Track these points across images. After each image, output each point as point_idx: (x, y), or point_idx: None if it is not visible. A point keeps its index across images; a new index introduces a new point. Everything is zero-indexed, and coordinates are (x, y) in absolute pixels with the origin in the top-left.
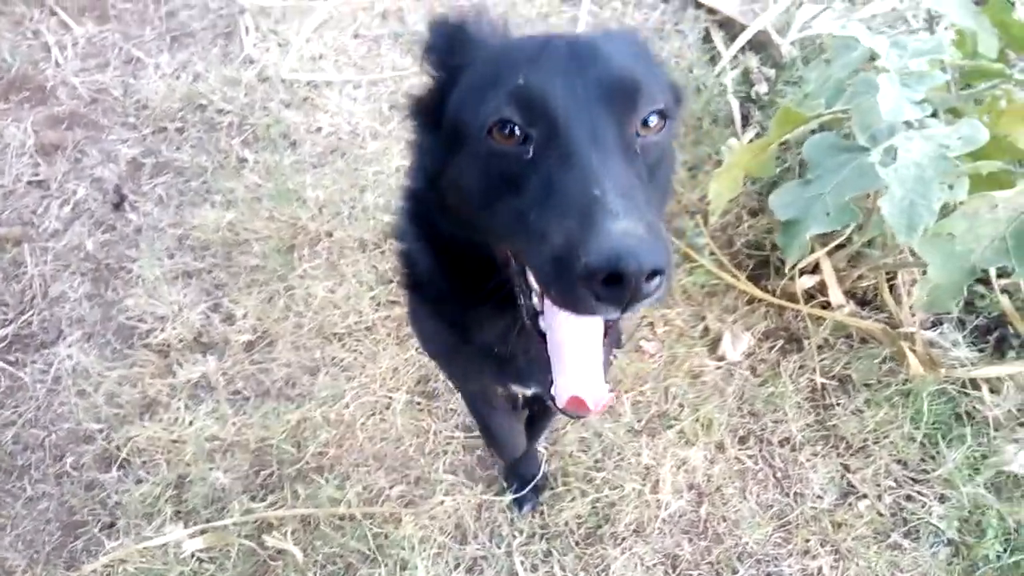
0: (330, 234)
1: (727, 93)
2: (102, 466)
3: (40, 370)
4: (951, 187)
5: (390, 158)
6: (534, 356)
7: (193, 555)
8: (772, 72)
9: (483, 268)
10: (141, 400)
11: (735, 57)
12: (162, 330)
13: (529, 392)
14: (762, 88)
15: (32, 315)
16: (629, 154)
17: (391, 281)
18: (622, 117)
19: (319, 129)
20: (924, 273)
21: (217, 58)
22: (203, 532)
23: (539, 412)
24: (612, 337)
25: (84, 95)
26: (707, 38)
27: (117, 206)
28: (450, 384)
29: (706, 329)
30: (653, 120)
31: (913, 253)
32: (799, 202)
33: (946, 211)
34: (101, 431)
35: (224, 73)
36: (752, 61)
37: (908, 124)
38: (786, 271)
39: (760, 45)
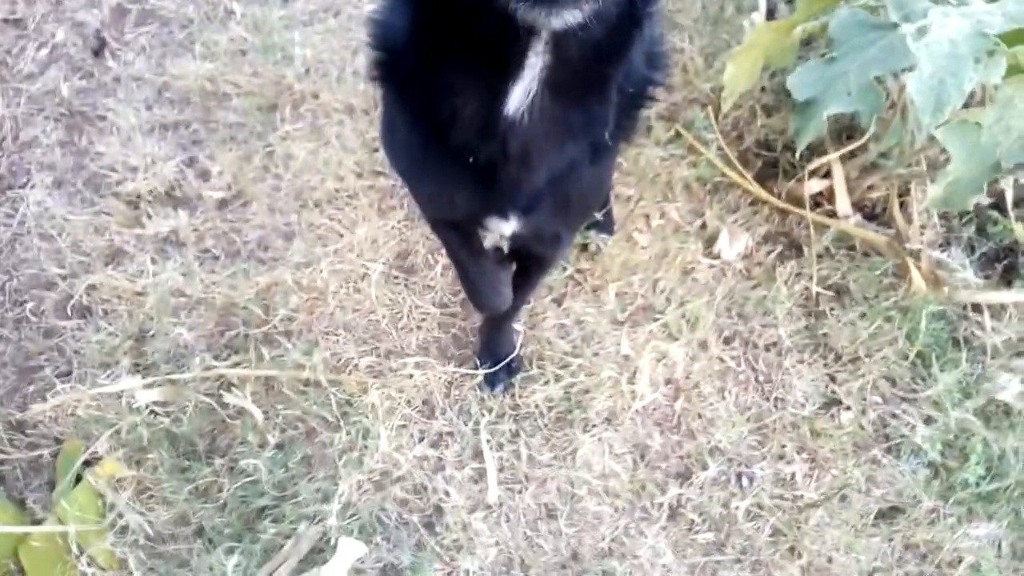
0: (316, 96)
1: None
2: (62, 313)
3: (5, 214)
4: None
5: None
6: (520, 159)
7: (147, 406)
8: None
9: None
10: (107, 249)
11: None
12: (133, 181)
13: (510, 231)
14: None
15: (1, 157)
16: None
17: (376, 149)
18: None
19: None
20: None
21: None
22: (160, 385)
23: (530, 266)
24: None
25: None
26: None
27: (97, 52)
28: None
29: (703, 226)
30: None
31: (930, 165)
32: (819, 81)
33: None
34: (63, 277)
35: None
36: None
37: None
38: (797, 163)
39: None
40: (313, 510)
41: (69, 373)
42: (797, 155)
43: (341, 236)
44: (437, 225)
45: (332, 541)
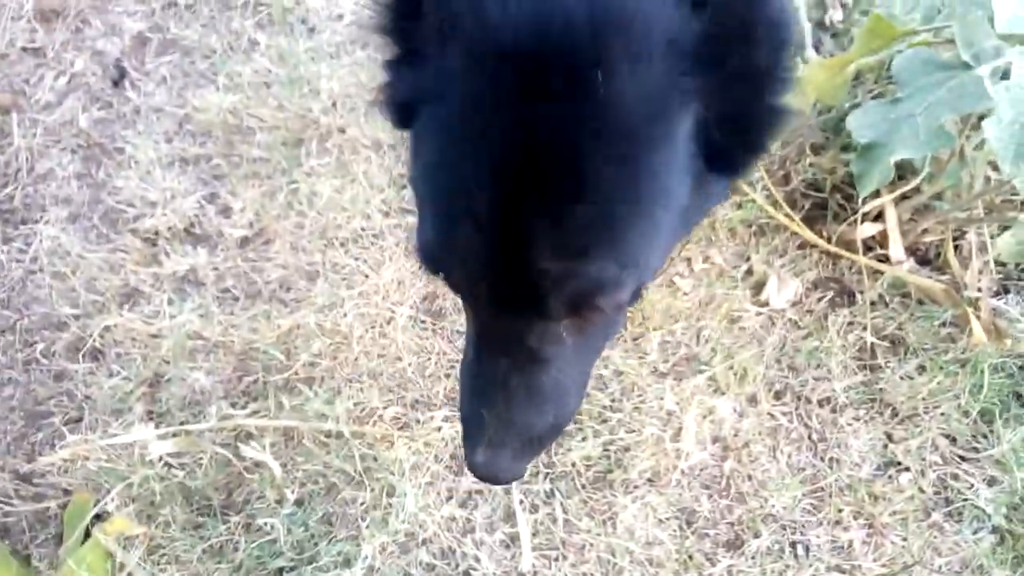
0: (343, 130)
1: (799, 18)
2: (74, 356)
3: (18, 249)
4: None
5: None
6: None
7: (161, 459)
8: None
9: None
10: (122, 288)
11: None
12: (151, 216)
13: None
14: (836, 15)
15: (15, 190)
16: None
17: (405, 186)
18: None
19: (340, 16)
20: (999, 231)
21: None
22: (175, 435)
23: None
24: None
25: None
26: None
27: (116, 82)
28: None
29: (750, 271)
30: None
31: (987, 209)
32: (884, 123)
33: None
34: (76, 317)
35: None
36: None
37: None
38: (847, 205)
39: None
40: (335, 574)
41: (79, 420)
42: (860, 200)
43: (366, 277)
44: None
45: None
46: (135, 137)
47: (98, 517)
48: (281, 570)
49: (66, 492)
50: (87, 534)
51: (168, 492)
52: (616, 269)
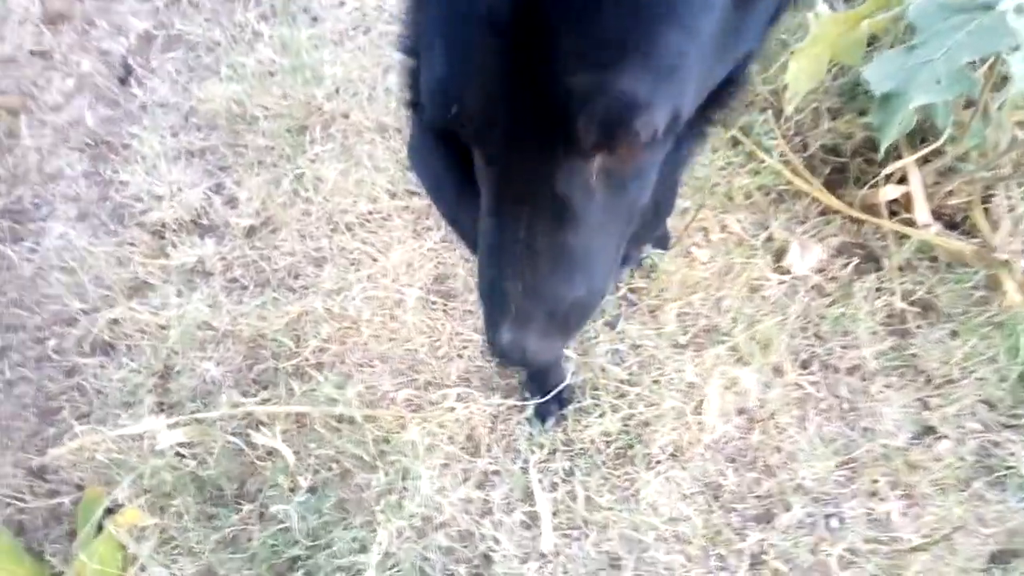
0: (346, 115)
1: None
2: (84, 350)
3: (28, 248)
4: None
5: None
6: None
7: (172, 449)
8: None
9: None
10: (130, 281)
11: None
12: (158, 210)
13: None
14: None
15: (25, 190)
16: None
17: (411, 168)
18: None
19: (343, 3)
20: None
21: None
22: (185, 425)
23: None
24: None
25: None
26: None
27: (123, 80)
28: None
29: (770, 239)
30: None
31: (1016, 167)
32: (901, 72)
33: None
34: (86, 312)
35: None
36: None
37: None
38: (869, 169)
39: None
40: (350, 561)
41: (90, 414)
42: (881, 152)
43: (375, 261)
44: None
45: None
46: (142, 132)
47: (110, 511)
48: (296, 559)
49: (79, 488)
50: (100, 528)
51: (180, 482)
52: (650, 83)
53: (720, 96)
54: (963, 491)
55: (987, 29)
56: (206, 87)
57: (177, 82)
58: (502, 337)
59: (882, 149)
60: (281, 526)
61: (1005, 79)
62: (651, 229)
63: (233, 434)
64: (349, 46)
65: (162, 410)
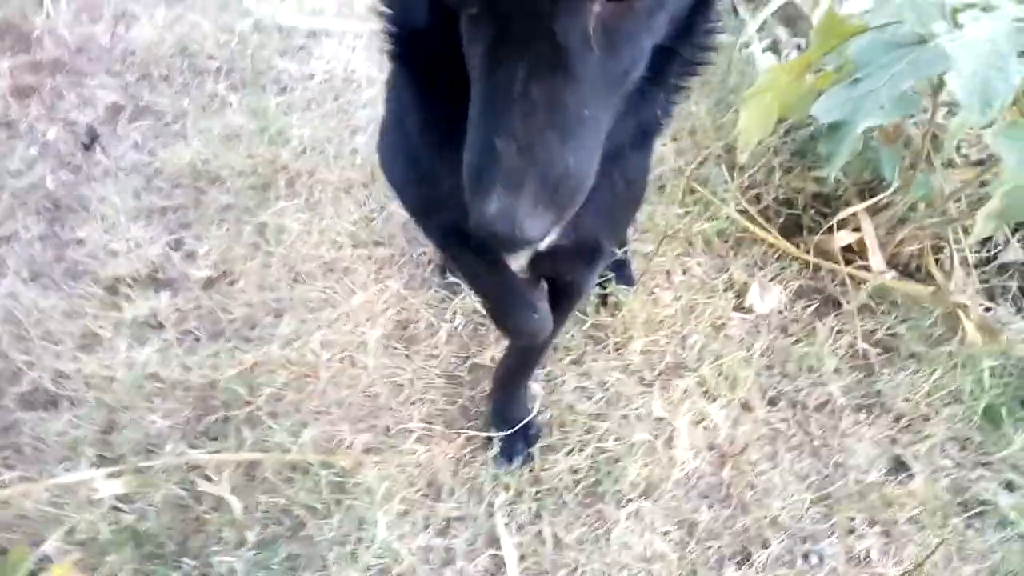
0: (312, 173)
1: (755, 58)
2: (26, 406)
3: None
4: None
5: None
6: None
7: (109, 501)
8: (802, 42)
9: None
10: (80, 334)
11: (761, 28)
12: (114, 265)
13: (546, 242)
14: (792, 55)
15: None
16: (572, 59)
17: (373, 219)
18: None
19: (312, 76)
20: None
21: (213, 10)
22: (124, 474)
23: (558, 294)
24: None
25: (70, 44)
26: (734, 11)
27: (88, 147)
28: (432, 306)
29: (730, 282)
30: None
31: (967, 206)
32: (847, 103)
33: None
34: (30, 365)
35: (219, 22)
36: (781, 31)
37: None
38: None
39: (788, 19)
40: None
41: (24, 470)
42: (831, 177)
43: (335, 308)
44: (449, 244)
45: None
46: (103, 193)
47: (37, 572)
48: None
49: (2, 552)
50: None
51: (116, 537)
52: None
53: (692, 27)
54: (942, 527)
55: (925, 58)
56: (171, 150)
57: (143, 148)
58: (491, 204)
59: (830, 176)
60: None
61: (939, 136)
62: (626, 212)
63: (177, 485)
64: (317, 111)
65: (103, 464)
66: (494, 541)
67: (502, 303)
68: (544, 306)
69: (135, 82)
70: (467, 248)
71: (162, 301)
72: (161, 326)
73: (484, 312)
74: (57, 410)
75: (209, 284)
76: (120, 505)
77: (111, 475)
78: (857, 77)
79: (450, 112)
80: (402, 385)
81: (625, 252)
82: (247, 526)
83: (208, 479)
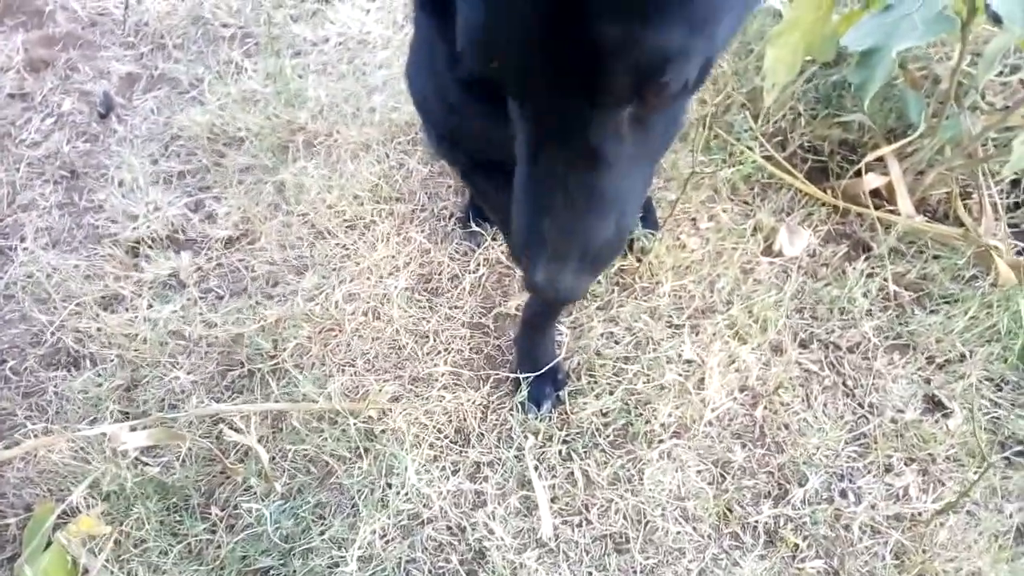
0: (330, 134)
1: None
2: (47, 367)
3: None
4: None
5: (402, 64)
6: None
7: (133, 453)
8: None
9: None
10: (101, 295)
11: None
12: (134, 228)
13: None
14: None
15: None
16: (602, 150)
17: (393, 176)
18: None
19: (327, 39)
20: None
21: None
22: (150, 426)
23: None
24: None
25: (83, 18)
26: None
27: (104, 116)
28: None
29: (758, 227)
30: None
31: (995, 145)
32: (880, 29)
33: None
34: (51, 329)
35: None
36: None
37: None
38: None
39: None
40: (327, 562)
41: (47, 432)
42: (865, 103)
43: (358, 263)
44: (473, 176)
45: None
46: (121, 160)
47: (62, 524)
48: (268, 570)
49: (28, 509)
50: (49, 544)
51: (141, 489)
52: (684, 35)
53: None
54: (979, 466)
55: None
56: (188, 116)
57: (159, 116)
58: (539, 274)
59: (865, 104)
60: (252, 531)
61: (964, 83)
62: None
63: (202, 437)
64: (333, 73)
65: (126, 419)
66: (525, 483)
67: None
68: None
69: (149, 52)
70: (491, 180)
71: (183, 261)
72: (183, 285)
73: (507, 259)
74: (79, 369)
75: (230, 243)
76: (144, 458)
77: (134, 427)
78: (889, 3)
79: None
80: (427, 336)
81: (649, 198)
82: (275, 476)
83: (235, 429)
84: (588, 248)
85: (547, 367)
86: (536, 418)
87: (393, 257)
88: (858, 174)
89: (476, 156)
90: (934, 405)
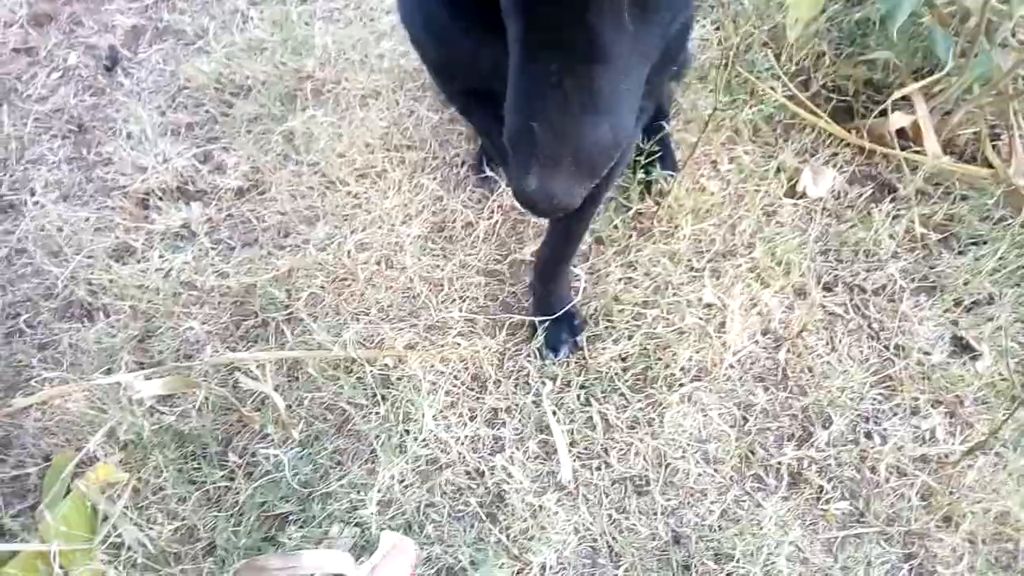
0: (338, 81)
1: None
2: (61, 318)
3: (5, 231)
4: None
5: None
6: None
7: (150, 402)
8: None
9: None
10: (112, 246)
11: None
12: (143, 180)
13: None
14: None
15: (3, 176)
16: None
17: (404, 125)
18: None
19: None
20: None
21: None
22: (165, 375)
23: None
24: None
25: None
26: None
27: (110, 69)
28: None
29: (781, 168)
30: None
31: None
32: None
33: None
34: (63, 281)
35: None
36: None
37: None
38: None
39: None
40: (346, 504)
41: (64, 382)
42: (893, 32)
43: (369, 212)
44: (471, 110)
45: (372, 546)
46: (128, 113)
47: (81, 472)
48: (287, 516)
49: (46, 459)
50: (68, 491)
51: (159, 438)
52: None
53: None
54: (1008, 408)
55: None
56: (194, 66)
57: (166, 68)
58: (530, 182)
59: (892, 34)
60: (270, 477)
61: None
62: (662, 74)
63: (219, 386)
64: (340, 19)
65: (141, 369)
66: (544, 428)
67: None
68: None
69: (154, 4)
70: (488, 114)
71: (193, 212)
72: (194, 235)
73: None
74: (93, 321)
75: (240, 194)
76: (161, 407)
77: (149, 376)
78: None
79: None
80: (441, 284)
81: (667, 138)
82: (292, 423)
83: (251, 377)
84: (581, 150)
85: (562, 311)
86: (553, 363)
87: (405, 205)
88: (883, 114)
89: (471, 88)
90: (962, 347)
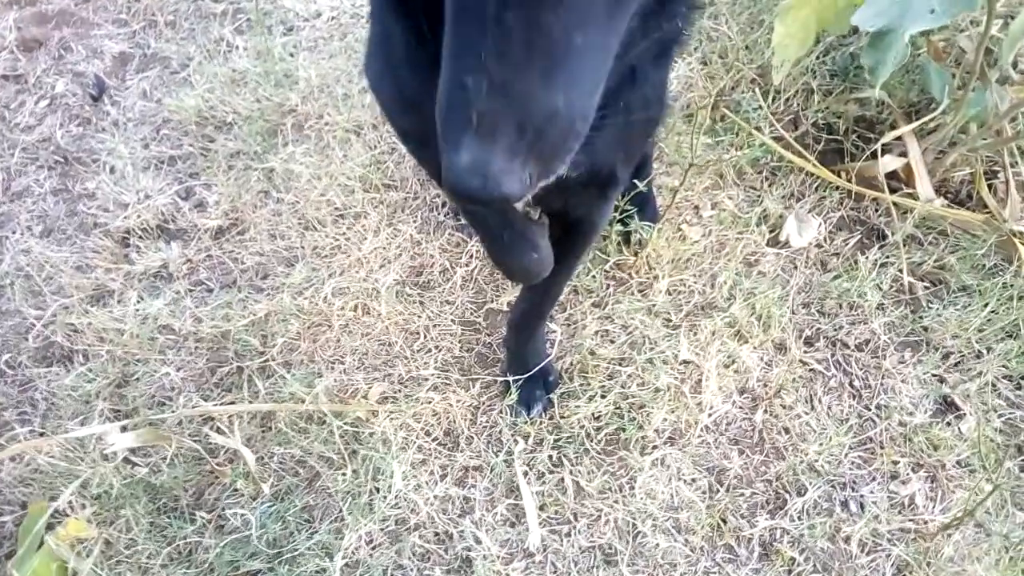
0: (320, 116)
1: None
2: (40, 362)
3: None
4: None
5: None
6: None
7: (122, 455)
8: None
9: None
10: (91, 288)
11: None
12: (124, 217)
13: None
14: None
15: None
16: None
17: (384, 162)
18: None
19: (319, 15)
20: None
21: None
22: (138, 427)
23: (572, 230)
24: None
25: None
26: None
27: (96, 98)
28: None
29: (765, 215)
30: None
31: (1019, 132)
32: (893, 7)
33: None
34: (43, 323)
35: None
36: None
37: None
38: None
39: None
40: (313, 568)
41: (39, 425)
42: (876, 91)
43: (347, 255)
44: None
45: None
46: (112, 146)
47: (53, 525)
48: (256, 573)
49: (23, 506)
50: (41, 544)
51: (130, 491)
52: None
53: None
54: (993, 471)
55: None
56: (178, 98)
57: (151, 97)
58: (462, 156)
59: (876, 89)
60: (240, 535)
61: (993, 51)
62: (644, 134)
63: (190, 438)
64: (324, 51)
65: (116, 418)
66: (513, 491)
67: (500, 241)
68: (545, 244)
69: (142, 30)
70: None
71: (173, 252)
72: (172, 277)
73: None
74: (70, 365)
75: (219, 234)
76: (134, 459)
77: (124, 428)
78: None
79: (435, 37)
80: (417, 332)
81: (649, 185)
82: (262, 478)
83: (221, 432)
84: (526, 119)
85: (537, 368)
86: (526, 422)
87: (384, 249)
88: (874, 155)
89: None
90: (946, 407)
